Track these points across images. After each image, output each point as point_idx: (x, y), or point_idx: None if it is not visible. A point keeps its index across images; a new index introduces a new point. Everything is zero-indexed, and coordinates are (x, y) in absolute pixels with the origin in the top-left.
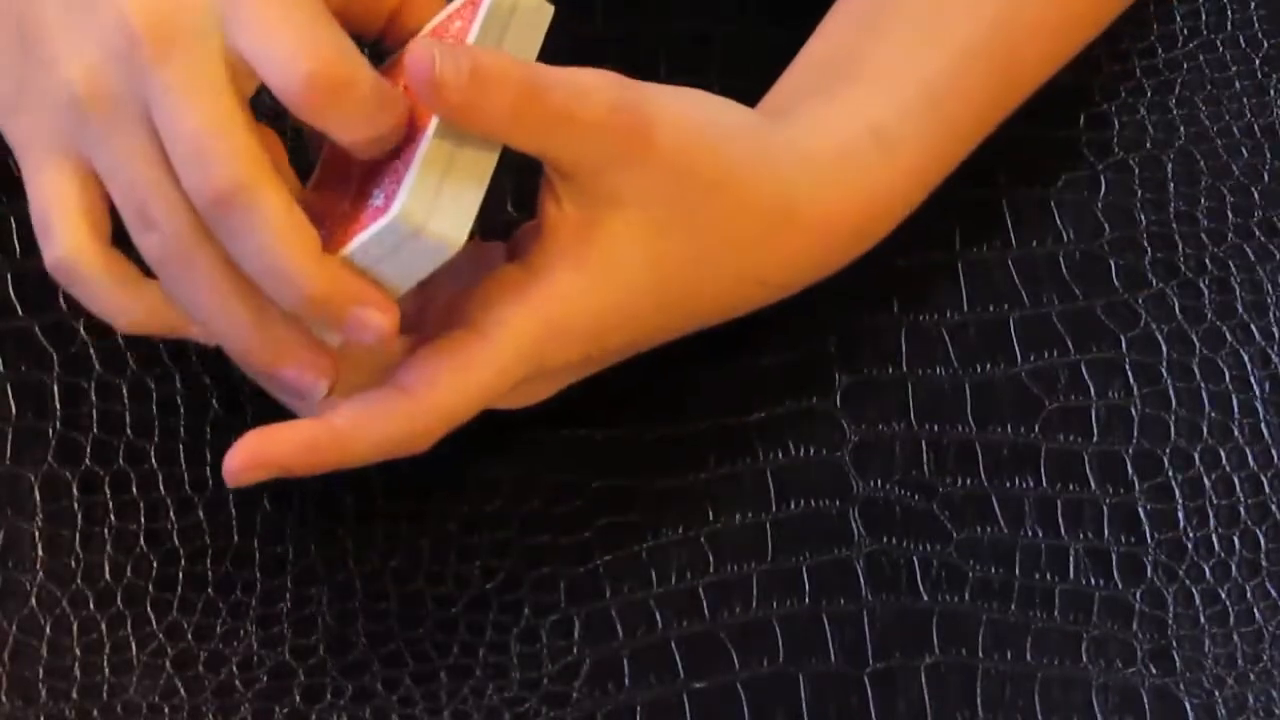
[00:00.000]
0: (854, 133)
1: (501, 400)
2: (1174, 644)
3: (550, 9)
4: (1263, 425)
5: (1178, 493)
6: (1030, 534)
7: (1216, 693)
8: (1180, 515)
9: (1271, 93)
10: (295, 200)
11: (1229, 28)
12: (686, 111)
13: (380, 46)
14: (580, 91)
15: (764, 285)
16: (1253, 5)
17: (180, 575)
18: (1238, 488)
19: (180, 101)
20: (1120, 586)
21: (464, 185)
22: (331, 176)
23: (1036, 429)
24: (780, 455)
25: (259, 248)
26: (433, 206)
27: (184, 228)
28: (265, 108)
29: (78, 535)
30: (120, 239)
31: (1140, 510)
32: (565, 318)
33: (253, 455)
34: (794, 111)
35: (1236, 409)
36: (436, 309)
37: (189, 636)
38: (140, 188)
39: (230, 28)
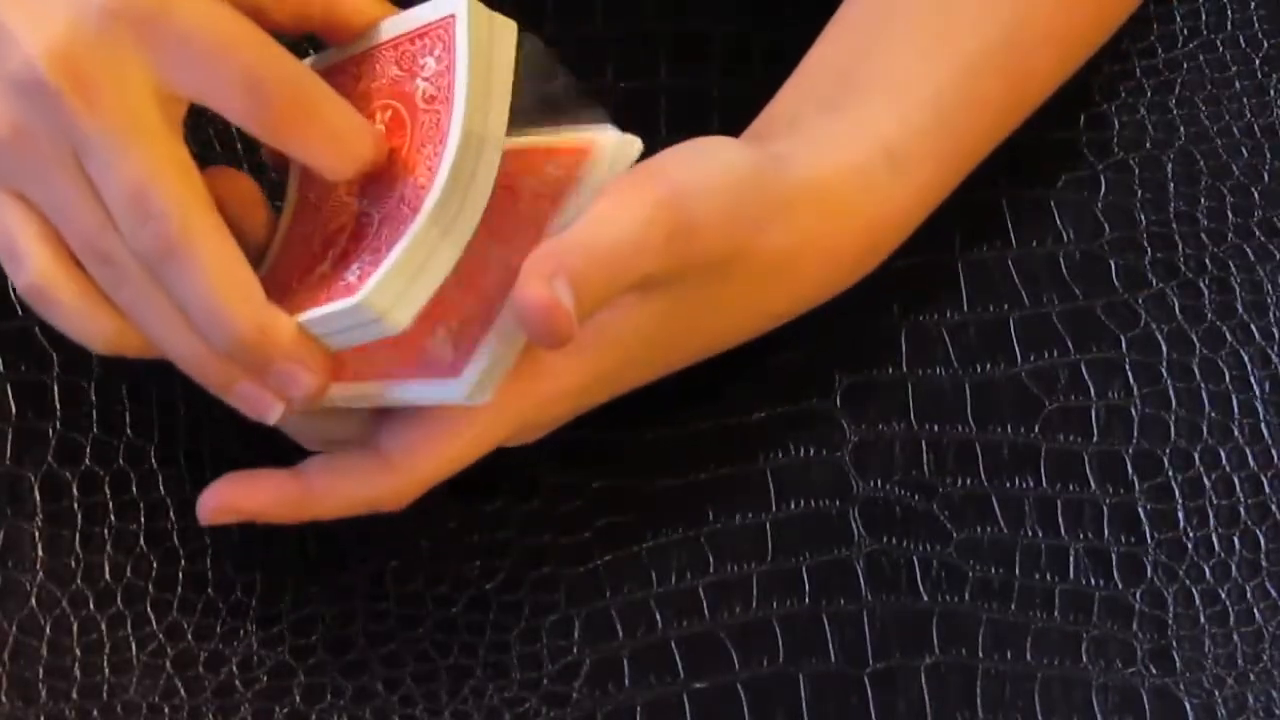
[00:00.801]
0: (866, 153)
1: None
2: (1174, 644)
3: (513, 25)
4: (1263, 425)
5: (1178, 493)
6: (1030, 534)
7: (1216, 693)
8: (1180, 515)
9: (1271, 93)
10: (234, 246)
11: (1229, 28)
12: (717, 196)
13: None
14: (635, 239)
15: (772, 318)
16: (1253, 5)
17: (180, 575)
18: (1238, 488)
19: (113, 151)
20: (1120, 586)
21: (433, 279)
22: (308, 216)
23: (1036, 429)
24: (780, 455)
25: (194, 296)
26: (399, 298)
27: (133, 264)
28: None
29: (78, 535)
30: None
31: (1140, 510)
32: (552, 390)
33: (226, 501)
34: (803, 127)
35: (1236, 409)
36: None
37: (189, 636)
38: (83, 228)
39: (167, 68)
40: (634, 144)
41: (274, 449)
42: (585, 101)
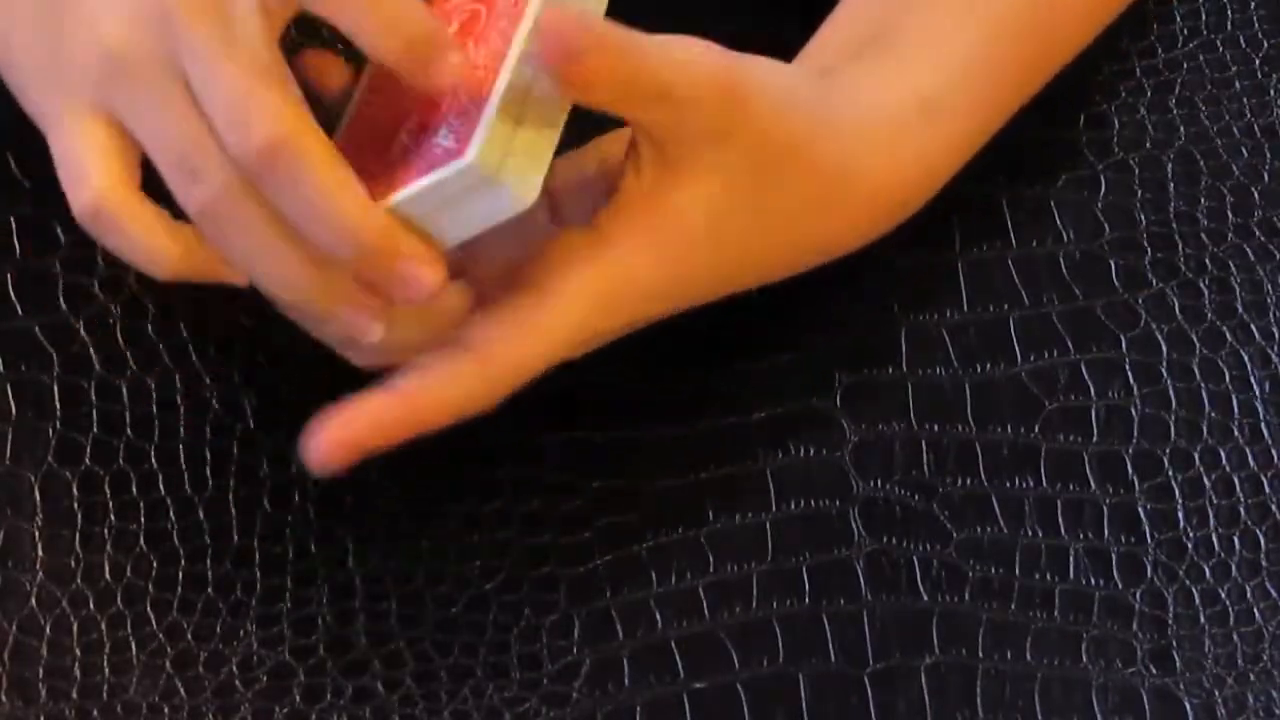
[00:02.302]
0: (901, 102)
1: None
2: (1174, 644)
3: None
4: (1263, 425)
5: (1178, 493)
6: (1030, 534)
7: (1216, 693)
8: (1180, 515)
9: (1271, 93)
10: (337, 151)
11: (1229, 28)
12: (771, 79)
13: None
14: (683, 61)
15: (815, 252)
16: (1253, 5)
17: (180, 575)
18: (1238, 488)
19: (213, 63)
20: (1120, 586)
21: (537, 137)
22: (364, 129)
23: (1036, 429)
24: (780, 455)
25: (306, 200)
26: (506, 154)
27: (229, 179)
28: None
29: (78, 535)
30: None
31: (1140, 510)
32: (629, 286)
33: (335, 439)
34: (838, 75)
35: (1236, 409)
36: (484, 266)
37: (189, 636)
38: (180, 141)
39: None
40: None
41: (275, 451)
42: None
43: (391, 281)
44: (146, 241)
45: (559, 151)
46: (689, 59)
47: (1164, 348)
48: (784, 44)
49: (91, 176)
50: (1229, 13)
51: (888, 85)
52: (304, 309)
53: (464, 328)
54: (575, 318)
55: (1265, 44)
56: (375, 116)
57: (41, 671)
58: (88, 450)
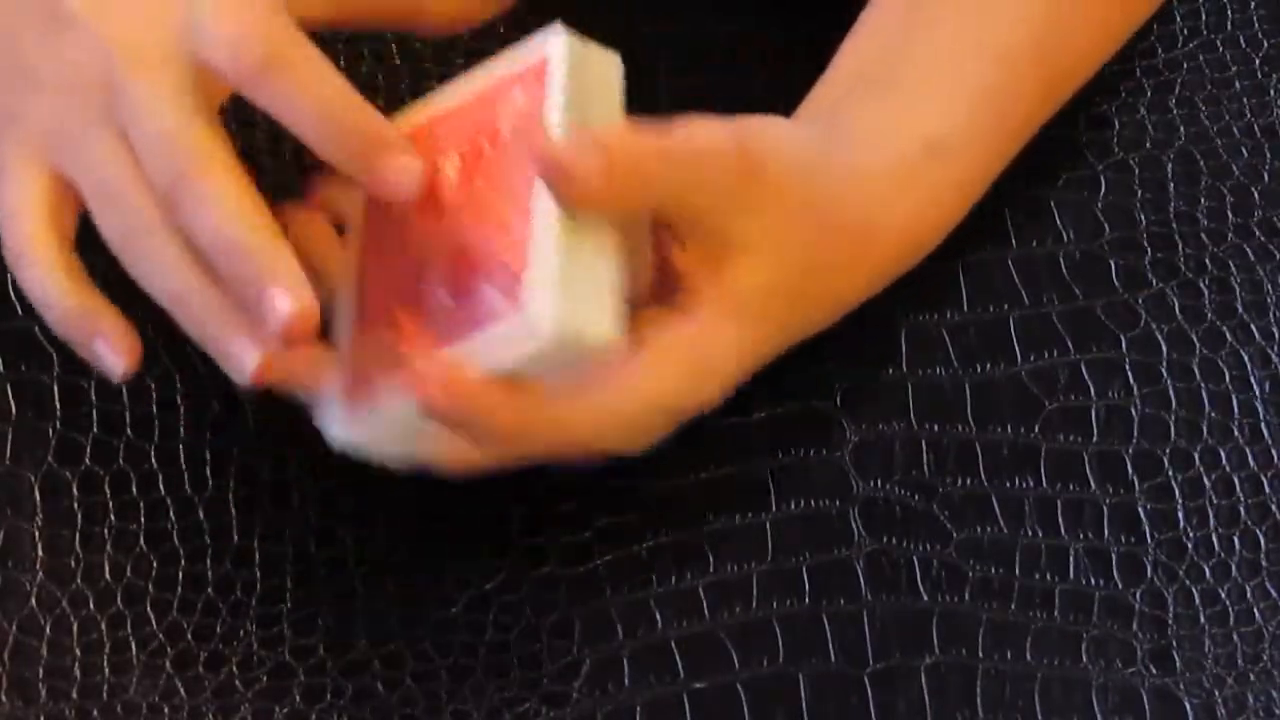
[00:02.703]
0: (909, 146)
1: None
2: (1174, 644)
3: (618, 58)
4: (1263, 425)
5: (1178, 493)
6: (1030, 534)
7: (1216, 693)
8: (1180, 515)
9: (1271, 93)
10: (251, 186)
11: (1229, 28)
12: (782, 143)
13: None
14: (699, 150)
15: (845, 305)
16: (1253, 5)
17: (180, 575)
18: (1238, 488)
19: (147, 107)
20: (1120, 586)
21: (597, 267)
22: (387, 249)
23: (1036, 429)
24: (780, 455)
25: (212, 219)
26: (575, 305)
27: (149, 204)
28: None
29: (78, 535)
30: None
31: (1140, 510)
32: (709, 357)
33: (439, 375)
34: (844, 121)
35: (1236, 409)
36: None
37: (189, 636)
38: (110, 178)
39: (199, 45)
40: (574, 39)
41: (275, 450)
42: None
43: (262, 304)
44: (55, 279)
45: None
46: (705, 143)
47: (1164, 348)
48: (784, 44)
49: (24, 217)
50: (1229, 13)
51: (896, 130)
52: (202, 335)
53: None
54: (664, 393)
55: (1265, 44)
56: (388, 264)
57: (41, 671)
58: (88, 450)
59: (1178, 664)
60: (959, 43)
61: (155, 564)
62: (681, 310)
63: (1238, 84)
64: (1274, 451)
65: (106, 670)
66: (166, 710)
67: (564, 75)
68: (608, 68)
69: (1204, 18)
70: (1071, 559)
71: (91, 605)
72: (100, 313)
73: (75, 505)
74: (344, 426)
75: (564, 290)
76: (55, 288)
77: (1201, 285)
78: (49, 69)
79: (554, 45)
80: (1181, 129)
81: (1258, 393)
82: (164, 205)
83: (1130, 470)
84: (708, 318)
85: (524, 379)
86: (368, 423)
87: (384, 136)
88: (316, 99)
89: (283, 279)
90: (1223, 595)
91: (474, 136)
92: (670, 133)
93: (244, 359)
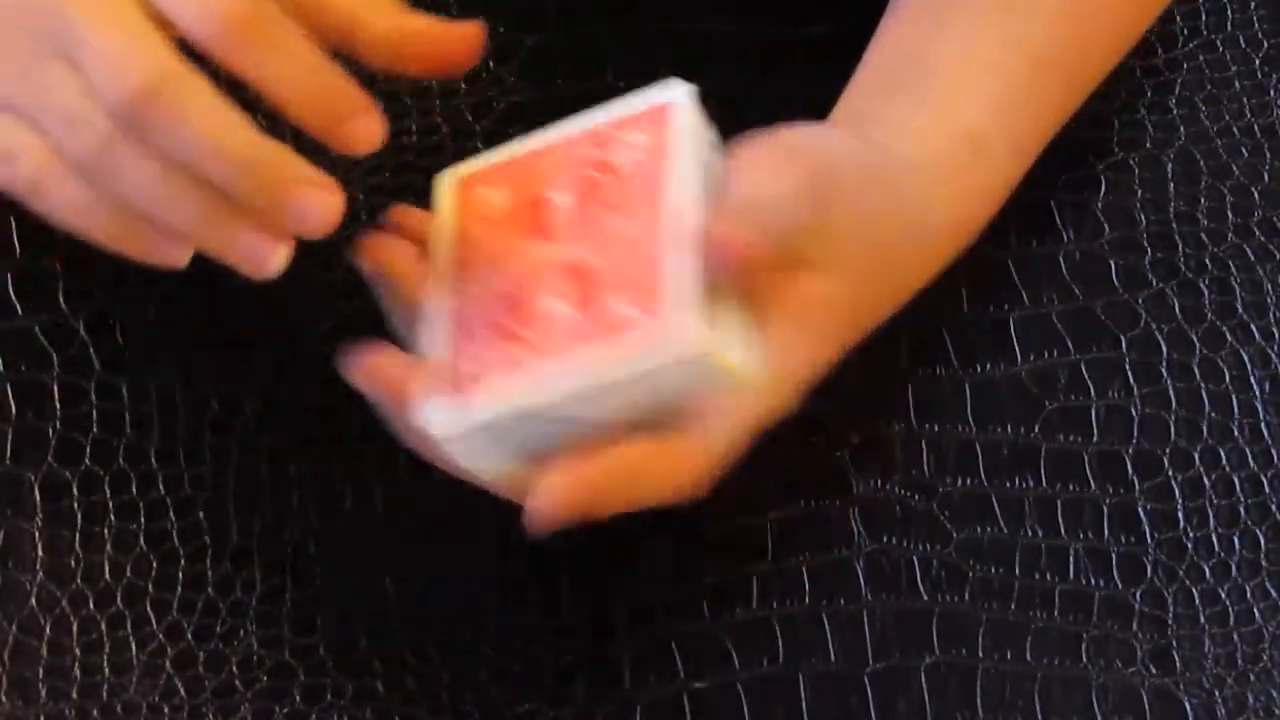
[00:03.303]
0: (950, 138)
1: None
2: (1174, 644)
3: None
4: (1263, 425)
5: (1178, 493)
6: (1030, 534)
7: (1216, 693)
8: (1180, 515)
9: (1271, 93)
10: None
11: (1229, 28)
12: (842, 156)
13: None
14: (777, 206)
15: (897, 303)
16: (1253, 5)
17: (180, 575)
18: (1238, 488)
19: (90, 24)
20: (1120, 586)
21: (733, 305)
22: (474, 275)
23: (1036, 429)
24: (780, 455)
25: (188, 136)
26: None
27: (107, 126)
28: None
29: (78, 535)
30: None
31: (1140, 510)
32: (785, 364)
33: (559, 501)
34: (884, 120)
35: (1236, 409)
36: None
37: (189, 636)
38: (62, 101)
39: None
40: (692, 92)
41: (275, 451)
42: None
43: (288, 211)
44: (82, 207)
45: None
46: (790, 196)
47: (1164, 348)
48: (784, 44)
49: (20, 153)
50: (1229, 13)
51: (938, 127)
52: (207, 240)
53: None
54: (768, 398)
55: (1265, 44)
56: (487, 281)
57: (41, 671)
58: (88, 450)
59: (1178, 664)
60: (990, 40)
61: (155, 564)
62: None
63: (1238, 84)
64: (1274, 451)
65: (106, 670)
66: (166, 710)
67: (689, 123)
68: (706, 134)
69: (1204, 18)
70: (1071, 559)
71: (91, 605)
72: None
73: (75, 505)
74: (451, 416)
75: (704, 309)
76: (90, 199)
77: (1201, 285)
78: None
79: (677, 94)
80: (1181, 129)
81: (1258, 393)
82: (126, 124)
83: (1130, 470)
84: (778, 336)
85: (636, 395)
86: (473, 420)
87: (358, 101)
88: (297, 66)
89: (305, 180)
90: (1223, 595)
91: (584, 170)
92: (754, 196)
93: (265, 251)
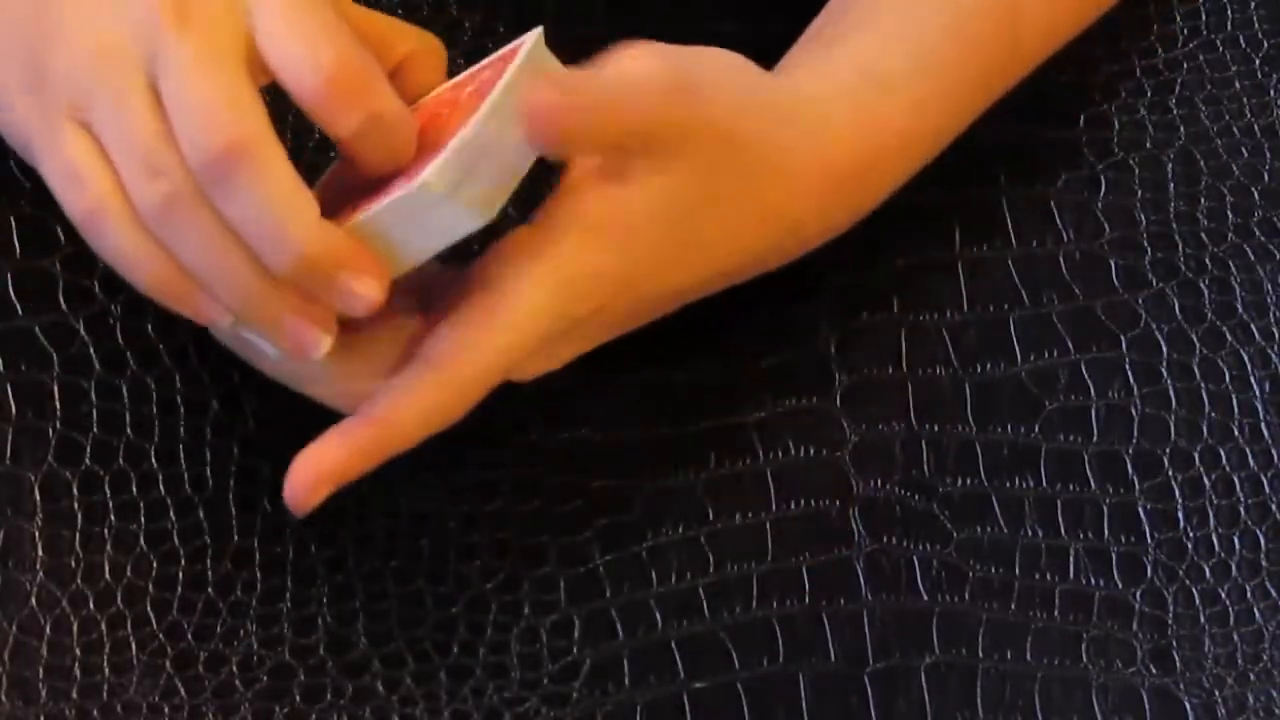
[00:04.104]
0: (848, 75)
1: (526, 364)
2: (1174, 644)
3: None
4: (1263, 425)
5: (1178, 493)
6: (1030, 534)
7: (1216, 693)
8: (1180, 515)
9: (1271, 93)
10: (296, 172)
11: (1229, 28)
12: (721, 79)
13: None
14: (637, 91)
15: (784, 233)
16: (1253, 5)
17: (180, 575)
18: (1238, 488)
19: (192, 70)
20: (1120, 586)
21: (499, 169)
22: (341, 185)
23: (1036, 429)
24: (780, 455)
25: (257, 207)
26: (464, 178)
27: (187, 177)
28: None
29: (78, 535)
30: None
31: (1140, 510)
32: (577, 272)
33: (311, 475)
34: (792, 62)
35: (1236, 409)
36: (443, 285)
37: (189, 636)
38: (143, 139)
39: (256, 20)
40: (539, 34)
41: (275, 451)
42: None
43: (334, 293)
44: (138, 243)
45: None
46: (643, 82)
47: (1164, 348)
48: (783, 44)
49: (86, 182)
50: (1229, 13)
51: (835, 66)
52: (252, 316)
53: (424, 342)
54: (529, 314)
55: (1265, 44)
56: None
57: (41, 671)
58: (88, 450)
59: (1178, 664)
60: (909, 2)
61: (155, 564)
62: (543, 230)
63: (1238, 84)
64: (1274, 451)
65: (106, 670)
66: (166, 710)
67: (522, 58)
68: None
69: (1204, 18)
70: (1071, 559)
71: (91, 605)
72: (188, 286)
73: (75, 505)
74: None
75: (455, 165)
76: (144, 246)
77: (1201, 285)
78: (84, 25)
79: (528, 36)
80: (1181, 129)
81: (1258, 393)
82: (199, 176)
83: (1130, 470)
84: (570, 238)
85: (391, 232)
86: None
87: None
88: (389, 126)
89: (360, 269)
90: (1223, 595)
91: (440, 109)
92: (623, 85)
93: (314, 339)
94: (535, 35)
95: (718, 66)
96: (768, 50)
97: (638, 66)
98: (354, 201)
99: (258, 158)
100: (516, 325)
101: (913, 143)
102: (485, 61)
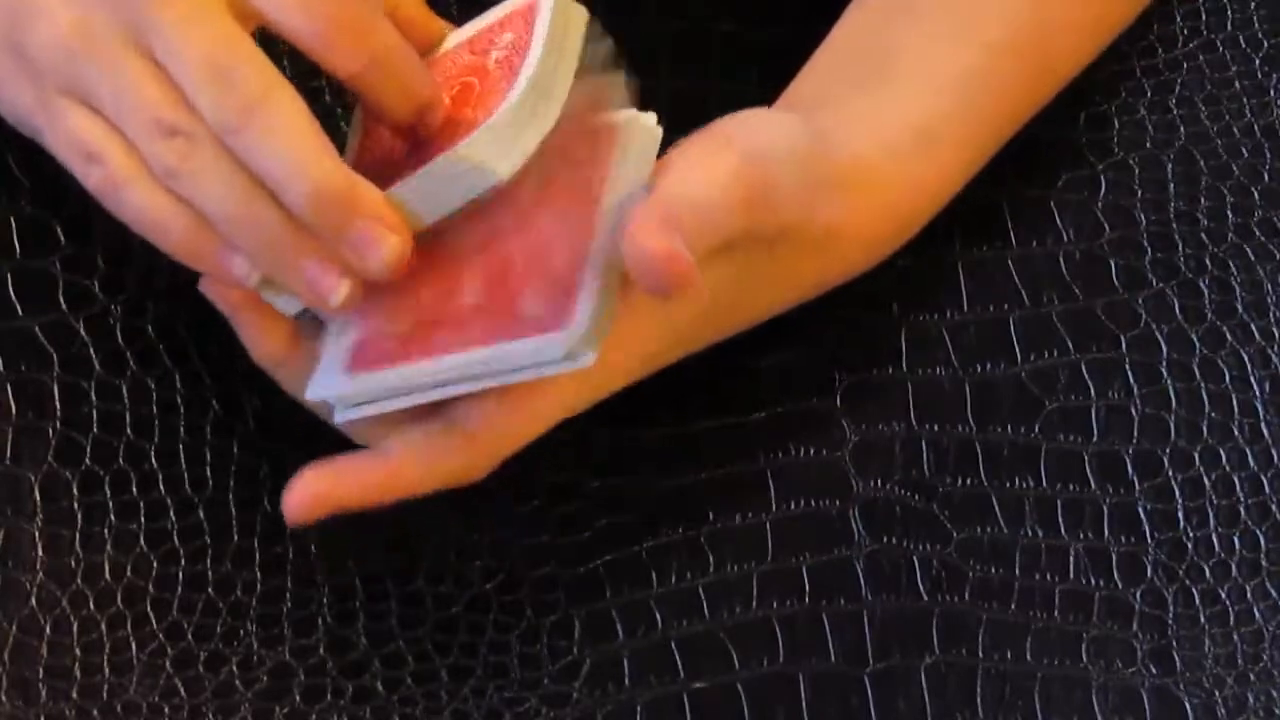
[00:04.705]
0: (896, 132)
1: None
2: (1174, 644)
3: (586, 13)
4: (1263, 425)
5: (1178, 493)
6: (1030, 534)
7: (1216, 693)
8: (1180, 515)
9: (1271, 93)
10: (310, 114)
11: (1229, 28)
12: (790, 170)
13: None
14: (726, 209)
15: (803, 291)
16: (1253, 5)
17: (180, 575)
18: (1238, 488)
19: (186, 30)
20: (1120, 586)
21: (536, 133)
22: (370, 159)
23: (1036, 429)
24: (780, 455)
25: (277, 151)
26: (500, 150)
27: (204, 133)
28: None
29: (78, 535)
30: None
31: (1140, 510)
32: (635, 350)
33: (313, 495)
34: (833, 106)
35: (1236, 409)
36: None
37: (189, 636)
38: (151, 104)
39: None
40: (651, 121)
41: (275, 451)
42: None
43: (355, 242)
44: (162, 201)
45: None
46: (722, 188)
47: (1164, 348)
48: (784, 44)
49: (102, 155)
50: (1229, 13)
51: (883, 119)
52: (275, 259)
53: (459, 405)
54: (567, 399)
55: (1265, 44)
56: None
57: (41, 671)
58: (88, 450)
59: (1178, 664)
60: (942, 32)
61: (155, 564)
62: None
63: (1238, 84)
64: (1274, 451)
65: (106, 670)
66: (166, 710)
67: (548, 19)
68: (580, 20)
69: (1204, 18)
70: (1071, 559)
71: (91, 605)
72: (210, 242)
73: (75, 505)
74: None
75: (497, 127)
76: (167, 206)
77: (1201, 285)
78: (49, 1)
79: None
80: (1181, 129)
81: (1258, 393)
82: (220, 129)
83: (1130, 470)
84: (627, 311)
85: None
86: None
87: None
88: (396, 68)
89: (380, 218)
90: (1223, 595)
91: (464, 76)
92: (686, 190)
93: (331, 284)
94: (547, 7)
95: (786, 152)
96: (768, 50)
97: (717, 178)
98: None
99: (273, 101)
100: (548, 413)
101: (951, 186)
102: (497, 17)
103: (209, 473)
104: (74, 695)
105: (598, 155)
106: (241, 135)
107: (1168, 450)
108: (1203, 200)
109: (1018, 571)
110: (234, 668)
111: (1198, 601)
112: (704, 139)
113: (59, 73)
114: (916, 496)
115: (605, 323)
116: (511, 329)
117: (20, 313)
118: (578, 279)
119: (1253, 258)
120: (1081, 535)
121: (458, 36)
